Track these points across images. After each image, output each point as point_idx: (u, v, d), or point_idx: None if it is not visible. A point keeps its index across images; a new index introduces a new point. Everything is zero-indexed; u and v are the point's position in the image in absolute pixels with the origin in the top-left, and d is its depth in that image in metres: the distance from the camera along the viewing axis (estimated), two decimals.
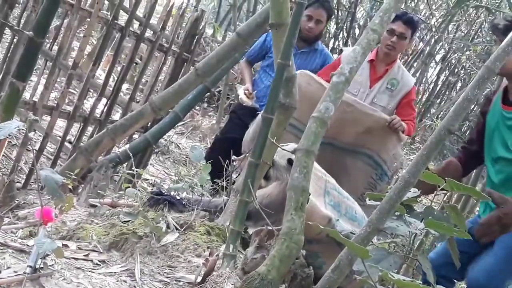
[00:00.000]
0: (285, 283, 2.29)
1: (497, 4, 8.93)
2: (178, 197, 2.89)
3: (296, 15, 2.37)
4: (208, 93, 5.46)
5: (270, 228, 2.30)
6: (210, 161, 4.06)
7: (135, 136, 4.51)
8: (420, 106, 10.79)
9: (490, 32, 9.52)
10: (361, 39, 2.49)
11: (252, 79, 4.91)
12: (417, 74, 10.24)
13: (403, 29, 4.38)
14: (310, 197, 2.53)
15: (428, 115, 10.55)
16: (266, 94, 4.29)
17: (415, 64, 10.01)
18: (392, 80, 4.47)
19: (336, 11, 9.07)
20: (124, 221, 2.66)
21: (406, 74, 4.60)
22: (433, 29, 8.99)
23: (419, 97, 10.90)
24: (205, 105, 7.55)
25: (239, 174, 3.29)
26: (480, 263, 3.07)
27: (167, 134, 5.26)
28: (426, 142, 2.16)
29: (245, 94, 4.72)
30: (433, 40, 9.52)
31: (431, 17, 9.56)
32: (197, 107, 7.15)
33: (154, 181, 4.90)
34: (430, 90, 10.93)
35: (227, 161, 3.45)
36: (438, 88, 10.75)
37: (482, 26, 10.04)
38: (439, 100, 10.79)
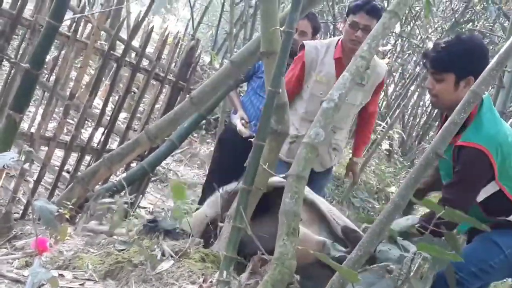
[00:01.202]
0: None
1: (491, 27, 9.04)
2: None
3: (285, 44, 2.42)
4: (205, 120, 5.49)
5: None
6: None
7: (133, 164, 4.54)
8: (419, 129, 10.86)
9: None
10: (349, 65, 2.54)
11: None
12: (415, 97, 10.32)
13: (367, 20, 3.93)
14: (301, 227, 2.56)
15: (427, 138, 10.61)
16: (258, 117, 4.29)
17: (412, 88, 10.09)
18: (363, 74, 4.20)
19: (332, 36, 9.18)
20: (120, 250, 2.68)
21: (376, 63, 4.18)
22: None
23: (417, 120, 10.97)
24: (203, 132, 7.60)
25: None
26: None
27: (165, 162, 5.30)
28: (415, 165, 2.19)
29: (242, 124, 4.38)
30: None
31: (427, 40, 9.65)
32: (195, 134, 7.20)
33: (152, 209, 4.92)
34: (428, 113, 11.01)
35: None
36: (436, 110, 10.81)
37: None
38: (437, 123, 10.84)
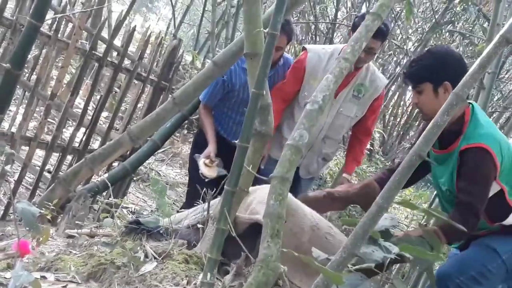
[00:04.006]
0: None
1: (471, 28, 9.11)
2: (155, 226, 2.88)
3: (269, 45, 2.42)
4: (187, 121, 5.47)
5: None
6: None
7: (115, 164, 4.52)
8: (399, 129, 10.92)
9: (466, 56, 9.73)
10: (333, 67, 2.54)
11: (214, 129, 4.20)
12: (395, 97, 10.38)
13: (372, 42, 3.81)
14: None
15: (407, 138, 10.67)
16: (238, 131, 4.24)
17: (392, 88, 10.14)
18: (359, 87, 4.10)
19: (314, 36, 9.21)
20: (103, 251, 2.66)
21: (375, 76, 4.15)
22: (409, 54, 9.12)
23: (398, 120, 11.04)
24: (185, 131, 7.58)
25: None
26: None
27: (147, 161, 5.28)
28: (398, 167, 2.20)
29: (205, 164, 3.89)
30: None
31: (407, 41, 9.71)
32: (177, 134, 7.18)
33: (134, 209, 4.90)
34: (408, 113, 11.07)
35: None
36: (416, 110, 10.89)
37: (457, 49, 10.21)
38: (417, 122, 10.93)
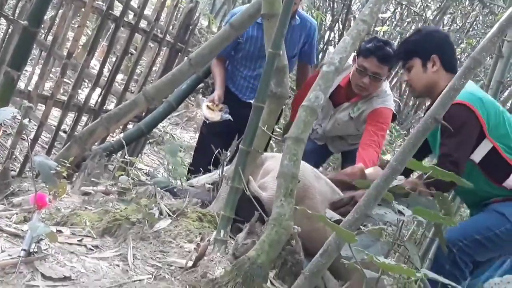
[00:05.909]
0: (276, 269, 2.34)
1: None
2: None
3: (287, 6, 2.41)
4: (202, 84, 5.47)
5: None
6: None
7: (130, 126, 4.54)
8: (415, 98, 10.85)
9: (485, 25, 9.59)
10: (351, 29, 2.54)
11: (224, 78, 4.18)
12: None
13: (377, 67, 3.75)
14: None
15: (423, 107, 10.61)
16: (250, 86, 4.25)
17: None
18: (354, 105, 4.00)
19: (331, 3, 9.11)
20: (118, 208, 2.70)
21: (375, 98, 3.95)
22: (428, 22, 9.01)
23: None
24: (200, 96, 7.58)
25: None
26: None
27: (161, 125, 5.31)
28: (413, 130, 2.20)
29: (208, 106, 3.87)
30: None
31: (426, 9, 9.58)
32: (192, 98, 7.19)
33: (149, 170, 4.94)
34: None
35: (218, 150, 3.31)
36: None
37: (477, 19, 10.08)
38: None
